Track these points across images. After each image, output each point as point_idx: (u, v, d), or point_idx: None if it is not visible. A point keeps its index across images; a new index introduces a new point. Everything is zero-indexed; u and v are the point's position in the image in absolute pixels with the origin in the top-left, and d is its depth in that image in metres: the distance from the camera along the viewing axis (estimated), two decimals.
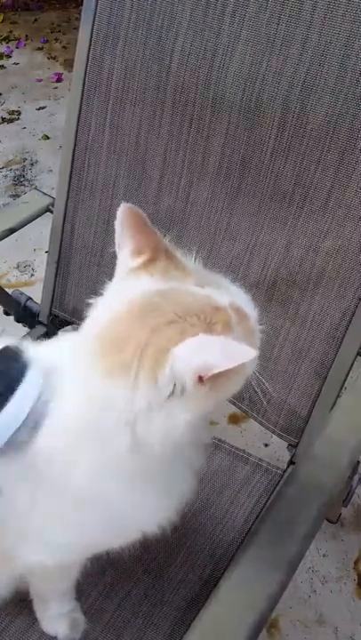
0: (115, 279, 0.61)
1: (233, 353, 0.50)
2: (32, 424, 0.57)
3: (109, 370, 0.53)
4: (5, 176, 2.46)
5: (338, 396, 0.92)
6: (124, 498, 0.61)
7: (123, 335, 0.54)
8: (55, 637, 0.80)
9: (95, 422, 0.55)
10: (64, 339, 0.65)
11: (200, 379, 0.51)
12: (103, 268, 1.09)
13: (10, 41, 3.55)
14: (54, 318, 1.19)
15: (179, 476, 0.64)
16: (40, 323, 1.21)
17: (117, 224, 0.59)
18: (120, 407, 0.53)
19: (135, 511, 0.63)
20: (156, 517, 0.66)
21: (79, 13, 0.99)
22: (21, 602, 0.82)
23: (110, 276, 1.09)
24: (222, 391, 0.54)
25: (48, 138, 2.68)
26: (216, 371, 0.49)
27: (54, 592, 0.80)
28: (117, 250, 0.60)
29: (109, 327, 0.55)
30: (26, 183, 2.42)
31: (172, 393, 0.52)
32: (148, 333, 0.52)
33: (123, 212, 0.58)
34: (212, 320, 0.53)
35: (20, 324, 1.24)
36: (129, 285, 0.58)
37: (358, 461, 0.87)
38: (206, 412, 0.55)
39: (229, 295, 0.57)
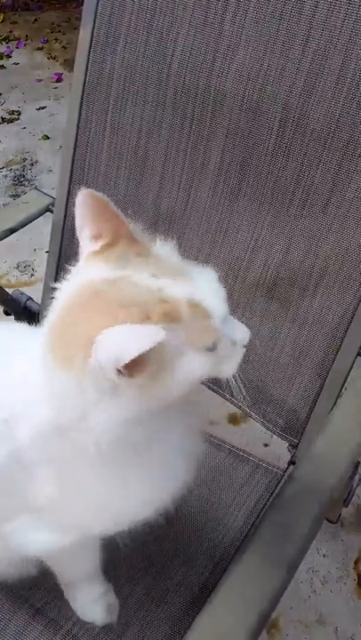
0: (77, 264, 0.58)
1: (138, 337, 0.47)
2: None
3: (58, 362, 0.52)
4: (5, 176, 2.46)
5: (338, 396, 0.92)
6: (102, 488, 0.61)
7: (68, 325, 0.53)
8: (60, 629, 0.80)
9: (57, 416, 0.55)
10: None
11: (125, 371, 0.48)
12: None
13: (10, 41, 3.56)
14: None
15: (166, 464, 0.63)
16: (40, 323, 1.20)
17: (76, 209, 0.56)
18: (72, 401, 0.53)
19: (119, 500, 0.63)
20: (144, 507, 0.65)
21: (79, 13, 0.99)
22: (20, 598, 0.82)
23: None
24: (159, 388, 0.52)
25: (48, 138, 2.68)
26: (127, 359, 0.46)
27: (78, 576, 0.80)
28: (78, 236, 0.58)
29: (59, 316, 0.55)
30: (26, 183, 2.42)
31: (105, 387, 0.50)
32: (86, 323, 0.50)
33: (81, 196, 0.56)
34: (151, 311, 0.50)
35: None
36: (84, 271, 0.56)
37: (358, 461, 0.87)
38: (148, 410, 0.53)
39: (191, 288, 0.54)
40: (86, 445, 0.54)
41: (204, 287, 0.55)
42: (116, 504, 0.63)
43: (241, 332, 0.58)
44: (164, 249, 0.58)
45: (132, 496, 0.63)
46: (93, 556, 0.78)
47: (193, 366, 0.53)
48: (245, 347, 0.59)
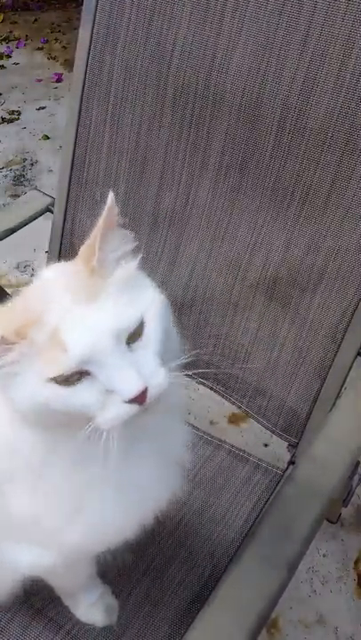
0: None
1: None
2: None
3: None
4: (5, 176, 2.46)
5: (338, 396, 0.92)
6: (59, 498, 0.60)
7: None
8: (60, 629, 0.80)
9: None
10: None
11: None
12: None
13: (10, 41, 3.55)
14: None
15: (125, 484, 0.60)
16: None
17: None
18: None
19: (81, 514, 0.61)
20: (115, 524, 0.64)
21: (79, 13, 0.99)
22: (19, 599, 0.82)
23: None
24: (8, 399, 0.52)
25: (48, 138, 2.68)
26: None
27: (74, 588, 0.81)
28: None
29: None
30: (26, 183, 2.42)
31: None
32: None
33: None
34: (9, 326, 0.49)
35: None
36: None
37: (358, 461, 0.87)
38: (19, 414, 0.53)
39: (68, 317, 0.50)
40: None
41: (93, 320, 0.50)
42: (81, 518, 0.61)
43: (123, 386, 0.50)
44: (127, 267, 0.55)
45: (96, 512, 0.61)
46: (87, 571, 0.78)
47: (30, 390, 0.50)
48: (132, 403, 0.50)
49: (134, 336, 0.52)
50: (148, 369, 0.51)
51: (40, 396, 0.50)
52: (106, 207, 0.54)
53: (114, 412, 0.50)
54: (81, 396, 0.50)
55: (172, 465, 0.65)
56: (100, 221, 0.54)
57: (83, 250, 0.56)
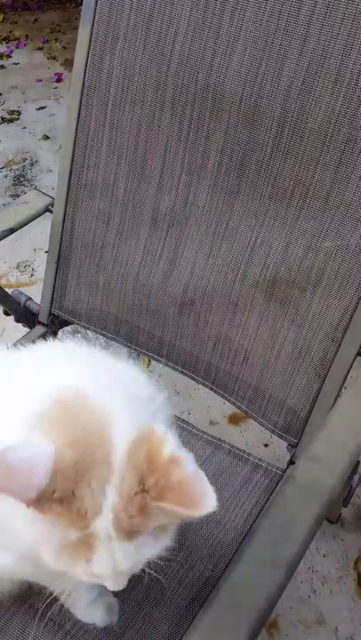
0: None
1: None
2: None
3: None
4: (5, 176, 2.46)
5: (338, 396, 0.92)
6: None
7: None
8: (60, 629, 0.80)
9: None
10: None
11: None
12: (102, 269, 1.09)
13: (10, 41, 3.56)
14: (54, 318, 1.19)
15: None
16: (40, 323, 1.21)
17: None
18: None
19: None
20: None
21: (79, 13, 0.99)
22: (19, 599, 0.82)
23: (109, 275, 1.09)
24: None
25: (48, 138, 2.68)
26: None
27: (67, 587, 0.80)
28: None
29: None
30: (26, 183, 2.42)
31: None
32: None
33: None
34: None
35: (20, 324, 1.24)
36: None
37: (358, 461, 0.87)
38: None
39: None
40: None
41: (120, 559, 0.56)
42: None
43: (110, 586, 0.60)
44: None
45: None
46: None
47: (22, 530, 0.55)
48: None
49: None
50: (129, 564, 0.58)
51: (31, 541, 0.55)
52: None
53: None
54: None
55: None
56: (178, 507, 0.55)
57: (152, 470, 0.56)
